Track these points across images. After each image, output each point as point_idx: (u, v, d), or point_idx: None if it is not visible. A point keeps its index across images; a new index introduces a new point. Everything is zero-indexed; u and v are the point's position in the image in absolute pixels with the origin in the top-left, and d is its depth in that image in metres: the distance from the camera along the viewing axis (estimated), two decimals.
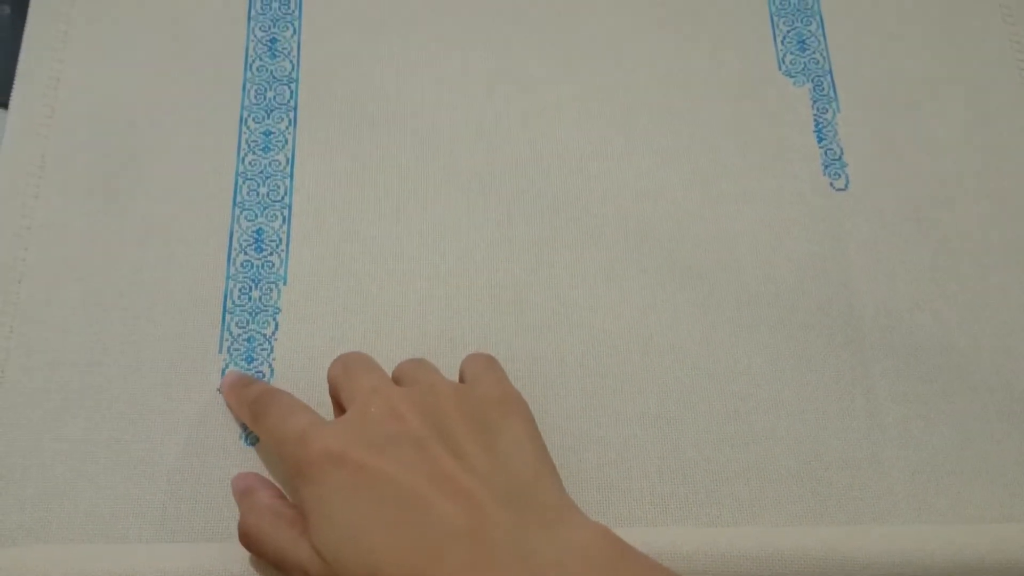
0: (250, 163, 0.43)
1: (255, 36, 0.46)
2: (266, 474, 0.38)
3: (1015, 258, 0.42)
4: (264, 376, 0.39)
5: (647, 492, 0.38)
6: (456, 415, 0.33)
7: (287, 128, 0.44)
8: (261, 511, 0.34)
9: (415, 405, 0.33)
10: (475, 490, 0.31)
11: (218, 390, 0.39)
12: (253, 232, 0.42)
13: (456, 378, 0.38)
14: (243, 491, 0.36)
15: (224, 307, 0.40)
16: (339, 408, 0.37)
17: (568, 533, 0.31)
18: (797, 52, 0.46)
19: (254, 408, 0.36)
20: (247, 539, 0.34)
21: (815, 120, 0.45)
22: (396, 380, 0.36)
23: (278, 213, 0.42)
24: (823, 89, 0.45)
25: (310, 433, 0.33)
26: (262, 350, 0.40)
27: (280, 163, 0.43)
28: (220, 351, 0.40)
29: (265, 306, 0.41)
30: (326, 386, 0.38)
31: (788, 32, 0.47)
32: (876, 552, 0.36)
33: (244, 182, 0.43)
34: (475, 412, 0.34)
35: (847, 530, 0.37)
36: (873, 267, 0.42)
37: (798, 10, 0.47)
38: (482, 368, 0.37)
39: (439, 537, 0.30)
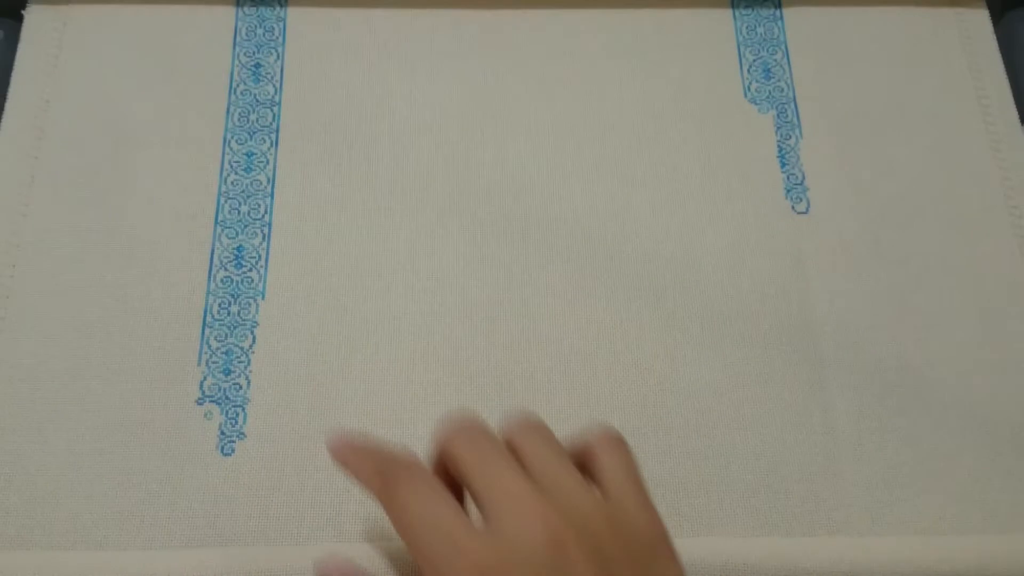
0: (232, 183, 0.45)
1: (240, 61, 0.47)
2: (244, 485, 0.39)
3: (970, 280, 0.44)
4: (240, 388, 0.41)
5: None
6: (621, 557, 0.30)
7: (269, 149, 0.45)
8: None
9: (580, 538, 0.29)
10: None
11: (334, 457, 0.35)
12: (234, 249, 0.43)
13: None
14: None
15: (204, 321, 0.42)
16: (442, 471, 0.33)
17: None
18: (762, 80, 0.48)
19: (384, 471, 0.32)
20: None
21: (778, 146, 0.46)
22: (513, 450, 0.32)
23: (258, 231, 0.44)
24: (787, 116, 0.47)
25: (462, 540, 0.29)
26: (239, 362, 0.41)
27: (261, 183, 0.45)
28: (199, 363, 0.41)
29: (243, 320, 0.42)
30: (300, 394, 0.40)
31: (754, 61, 0.48)
32: (830, 562, 0.37)
33: (226, 201, 0.44)
34: (636, 554, 0.31)
35: (803, 541, 0.38)
36: (832, 287, 0.43)
37: (764, 40, 0.49)
38: (622, 473, 0.32)
39: None
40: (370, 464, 0.33)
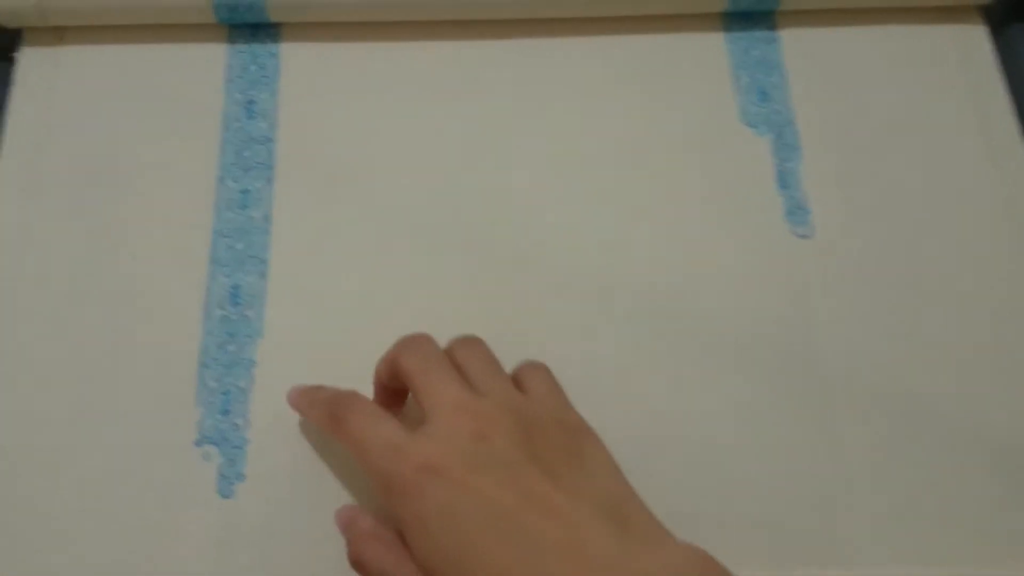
0: (227, 220, 0.44)
1: (233, 98, 0.47)
2: (244, 527, 0.38)
3: (978, 303, 0.43)
4: (238, 428, 0.40)
5: None
6: (544, 438, 0.34)
7: (264, 186, 0.45)
8: (364, 538, 0.35)
9: (505, 428, 0.34)
10: (570, 509, 0.32)
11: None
12: (230, 287, 0.43)
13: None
14: (346, 523, 0.37)
15: (201, 361, 0.41)
16: (389, 394, 0.39)
17: (667, 553, 0.32)
18: (759, 103, 0.47)
19: (332, 410, 0.36)
20: (357, 567, 0.35)
21: (777, 169, 0.46)
22: (458, 366, 0.37)
23: (254, 268, 0.43)
24: (785, 139, 0.47)
25: (405, 445, 0.33)
26: (237, 403, 0.41)
27: (257, 220, 0.44)
28: (197, 404, 0.41)
29: (241, 359, 0.41)
30: (302, 436, 0.40)
31: (749, 84, 0.48)
32: None
33: (221, 239, 0.44)
34: (560, 436, 0.35)
35: (813, 573, 0.38)
36: (836, 313, 0.43)
37: (760, 62, 0.49)
38: (545, 385, 0.38)
39: (539, 554, 0.31)
40: (323, 408, 0.37)
